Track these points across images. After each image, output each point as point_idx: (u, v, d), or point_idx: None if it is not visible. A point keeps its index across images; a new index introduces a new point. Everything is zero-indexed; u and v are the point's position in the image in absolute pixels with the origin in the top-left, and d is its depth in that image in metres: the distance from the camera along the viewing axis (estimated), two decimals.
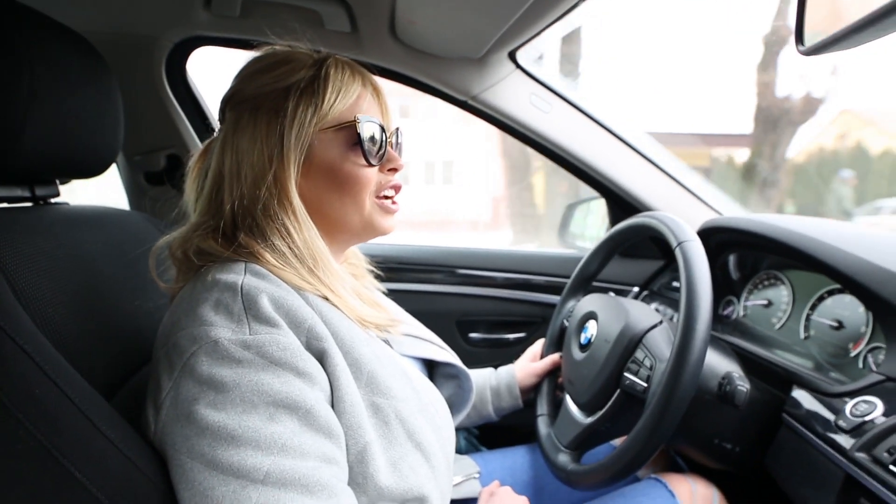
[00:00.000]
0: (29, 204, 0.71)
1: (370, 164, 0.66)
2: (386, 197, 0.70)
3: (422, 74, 1.25)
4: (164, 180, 1.31)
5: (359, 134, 0.65)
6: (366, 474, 0.56)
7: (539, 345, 1.14)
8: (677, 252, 0.80)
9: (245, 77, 0.67)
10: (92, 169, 0.75)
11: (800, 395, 0.83)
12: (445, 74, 1.24)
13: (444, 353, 0.82)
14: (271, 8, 1.11)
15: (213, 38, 1.24)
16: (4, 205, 0.67)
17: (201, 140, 1.31)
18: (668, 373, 0.71)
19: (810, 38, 0.57)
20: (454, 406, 0.87)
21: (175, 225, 0.67)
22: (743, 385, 0.78)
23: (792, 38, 0.58)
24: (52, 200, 0.76)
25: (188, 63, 1.30)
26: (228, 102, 0.67)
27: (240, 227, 0.62)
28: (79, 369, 0.52)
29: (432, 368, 0.88)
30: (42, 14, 0.63)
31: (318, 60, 0.66)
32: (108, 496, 0.48)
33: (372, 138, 0.66)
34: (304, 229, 0.63)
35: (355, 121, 0.65)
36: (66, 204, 0.78)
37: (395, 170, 0.71)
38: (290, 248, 0.61)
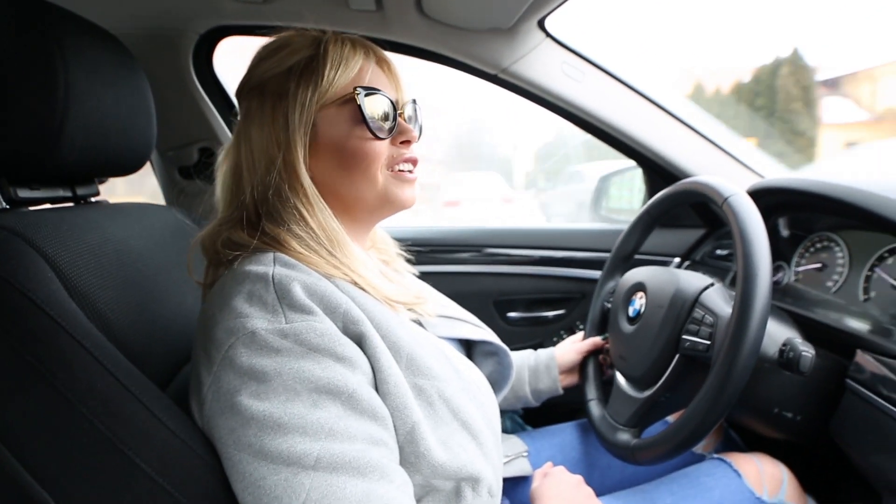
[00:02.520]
0: (70, 204, 0.72)
1: (377, 138, 0.64)
2: (401, 171, 0.68)
3: (450, 50, 1.22)
4: (197, 174, 1.32)
5: (359, 106, 0.63)
6: (417, 453, 0.55)
7: (579, 336, 1.11)
8: (725, 207, 0.78)
9: (252, 66, 0.66)
10: (129, 166, 0.76)
11: (864, 359, 0.79)
12: (474, 48, 1.21)
13: (480, 332, 0.81)
14: None
15: (238, 27, 1.23)
16: (48, 205, 0.68)
17: (231, 131, 1.31)
18: (734, 323, 0.68)
19: None
20: (495, 384, 0.86)
21: (209, 219, 0.67)
22: (808, 351, 0.75)
23: None
24: (93, 199, 0.77)
25: (215, 54, 1.30)
26: (240, 94, 0.67)
27: (262, 216, 0.62)
28: (133, 362, 0.53)
29: (470, 348, 0.87)
30: (73, 13, 0.64)
31: (317, 39, 0.65)
32: (172, 484, 0.49)
33: (377, 109, 0.64)
34: (316, 211, 0.62)
35: (354, 92, 0.63)
36: (106, 201, 0.79)
37: (408, 142, 0.68)
38: (307, 232, 0.61)
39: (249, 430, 0.49)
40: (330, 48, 0.63)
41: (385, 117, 0.65)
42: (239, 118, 0.67)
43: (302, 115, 0.61)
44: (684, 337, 0.79)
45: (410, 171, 0.69)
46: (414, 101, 0.72)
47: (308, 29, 0.67)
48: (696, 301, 0.80)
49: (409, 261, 0.86)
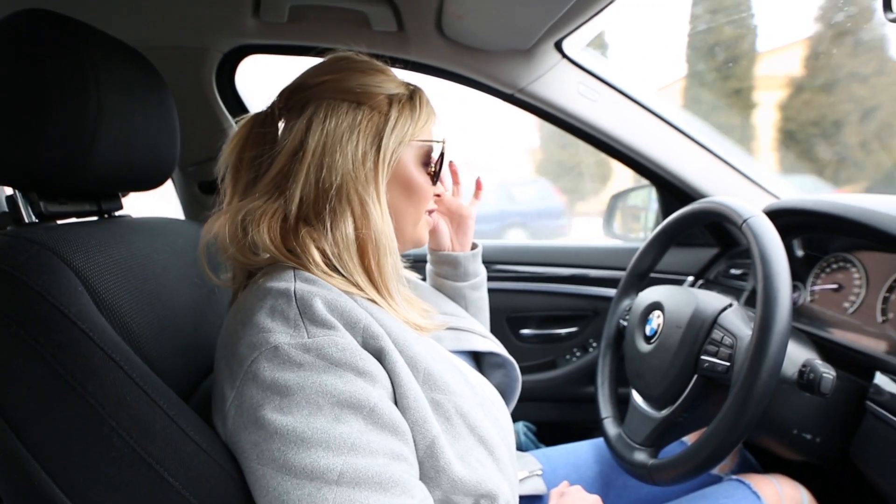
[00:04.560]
0: (95, 218, 0.73)
1: (434, 183, 0.72)
2: (428, 211, 0.75)
3: (468, 70, 1.25)
4: (218, 189, 1.34)
5: (441, 155, 0.72)
6: (437, 468, 0.55)
7: None
8: (744, 228, 0.78)
9: (339, 70, 0.67)
10: (152, 181, 0.77)
11: (883, 381, 0.79)
12: (492, 68, 1.23)
13: (487, 343, 0.82)
14: (318, 11, 1.11)
15: (261, 46, 1.25)
16: (73, 220, 0.69)
17: None
18: (754, 346, 0.69)
19: None
20: (504, 395, 0.86)
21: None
22: (829, 372, 0.75)
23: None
24: (116, 213, 0.78)
25: (237, 73, 1.32)
26: (315, 88, 0.65)
27: (303, 218, 0.62)
28: (159, 376, 0.54)
29: (478, 359, 0.88)
30: (101, 31, 0.64)
31: (406, 83, 0.71)
32: (199, 498, 0.49)
33: (441, 160, 0.73)
34: (386, 224, 0.65)
35: (442, 141, 0.72)
36: (129, 216, 0.80)
37: (439, 194, 0.77)
38: (356, 237, 0.62)
39: (273, 444, 0.49)
40: (424, 98, 0.71)
41: (442, 167, 0.74)
42: (310, 110, 0.64)
43: (398, 142, 0.66)
44: (703, 358, 0.79)
45: (430, 214, 0.77)
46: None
47: (337, 49, 0.70)
48: (714, 322, 0.81)
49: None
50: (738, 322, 0.79)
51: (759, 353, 0.68)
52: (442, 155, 0.73)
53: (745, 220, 0.78)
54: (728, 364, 0.76)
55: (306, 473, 0.48)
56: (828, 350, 0.89)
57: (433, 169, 0.72)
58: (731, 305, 0.83)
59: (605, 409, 1.01)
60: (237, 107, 1.34)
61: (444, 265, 0.96)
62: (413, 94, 0.70)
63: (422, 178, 0.70)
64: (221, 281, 0.68)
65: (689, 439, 1.02)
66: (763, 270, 0.72)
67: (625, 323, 1.05)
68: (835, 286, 1.04)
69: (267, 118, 0.68)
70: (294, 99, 0.66)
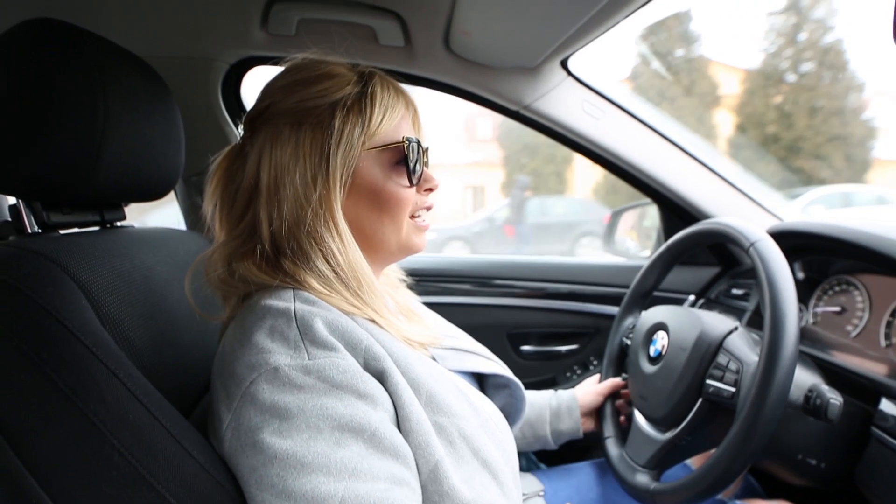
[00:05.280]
0: (97, 228, 0.72)
1: (412, 185, 0.66)
2: (418, 216, 0.70)
3: (474, 86, 1.25)
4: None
5: (406, 155, 0.64)
6: (441, 492, 0.54)
7: (597, 377, 1.10)
8: (751, 252, 0.78)
9: (283, 89, 0.64)
10: (156, 192, 0.76)
11: (889, 407, 0.79)
12: (498, 85, 1.23)
13: (491, 365, 0.80)
14: (326, 25, 1.12)
15: (267, 59, 1.25)
16: (76, 230, 0.68)
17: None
18: (760, 373, 0.68)
19: None
20: (508, 417, 0.84)
21: None
22: (836, 399, 0.74)
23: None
24: (119, 224, 0.77)
25: (242, 84, 1.32)
26: (262, 114, 0.64)
27: (282, 252, 0.61)
28: (161, 391, 0.53)
29: (482, 380, 0.86)
30: (108, 41, 0.64)
31: (361, 76, 0.65)
32: None
33: (414, 159, 0.65)
34: (349, 251, 0.61)
35: (403, 141, 0.64)
36: (132, 226, 0.79)
37: (430, 189, 0.70)
38: (334, 271, 0.60)
39: (272, 469, 0.48)
40: (378, 90, 0.63)
41: (418, 165, 0.66)
42: (260, 139, 0.62)
43: (346, 154, 0.61)
44: (708, 382, 0.78)
45: (424, 220, 0.71)
46: (427, 149, 0.73)
47: (327, 56, 0.67)
48: (720, 345, 0.80)
49: (410, 287, 0.86)
50: (744, 347, 0.79)
51: (767, 380, 0.67)
52: (418, 150, 0.66)
53: (752, 244, 0.78)
54: (734, 390, 0.75)
55: (306, 500, 0.47)
56: (832, 374, 0.89)
57: (412, 168, 0.65)
58: (736, 328, 0.83)
59: (608, 429, 1.00)
60: (242, 117, 1.34)
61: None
62: (362, 94, 0.63)
63: (393, 183, 0.64)
64: (217, 318, 0.65)
65: (694, 463, 1.01)
66: (770, 296, 0.71)
67: (628, 341, 1.05)
68: (837, 309, 1.04)
69: (239, 151, 0.66)
70: (253, 127, 0.64)
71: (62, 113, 0.56)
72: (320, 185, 0.60)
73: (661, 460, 0.84)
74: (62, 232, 0.65)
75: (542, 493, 0.93)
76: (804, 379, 0.81)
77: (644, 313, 1.01)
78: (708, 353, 0.80)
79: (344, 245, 0.61)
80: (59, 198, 0.62)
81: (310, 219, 0.60)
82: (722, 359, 0.79)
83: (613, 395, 1.04)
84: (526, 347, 1.48)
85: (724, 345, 0.80)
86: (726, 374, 0.77)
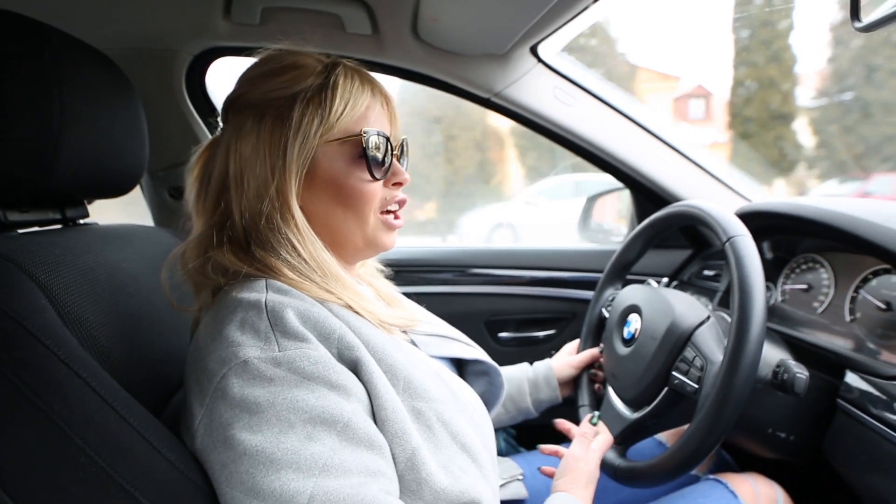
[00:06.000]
0: (59, 226, 0.71)
1: (375, 179, 0.64)
2: (389, 211, 0.69)
3: (444, 73, 1.24)
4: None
5: (364, 148, 0.63)
6: (419, 479, 0.54)
7: (575, 343, 1.12)
8: (727, 248, 0.78)
9: (250, 80, 0.64)
10: (120, 187, 0.75)
11: (853, 379, 0.81)
12: (468, 72, 1.23)
13: (471, 351, 0.81)
14: (291, 14, 1.10)
15: (232, 49, 1.23)
16: (35, 228, 0.67)
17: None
18: (721, 377, 0.70)
19: (867, 14, 0.56)
20: (487, 402, 0.85)
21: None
22: (802, 373, 0.76)
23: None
24: (81, 221, 0.75)
25: (207, 75, 1.29)
26: (232, 105, 0.64)
27: (252, 241, 0.61)
28: (127, 390, 0.52)
29: (461, 367, 0.87)
30: (66, 34, 0.62)
31: (326, 67, 0.63)
32: None
33: (378, 152, 0.64)
34: (307, 243, 0.61)
35: (361, 134, 0.63)
36: (96, 224, 0.78)
37: (399, 184, 0.69)
38: (298, 261, 0.60)
39: (241, 465, 0.48)
40: (340, 81, 0.62)
41: (383, 159, 0.65)
42: (228, 131, 0.63)
43: (303, 147, 0.60)
44: (674, 374, 0.80)
45: (397, 216, 0.69)
46: (403, 141, 0.71)
47: (300, 47, 0.66)
48: (688, 339, 0.81)
49: (389, 277, 0.85)
50: (711, 343, 0.80)
51: (725, 386, 0.69)
52: (386, 144, 0.65)
53: (729, 239, 0.79)
54: (697, 386, 0.76)
55: (275, 497, 0.46)
56: (799, 349, 0.91)
57: (376, 163, 0.64)
58: (707, 320, 0.84)
59: (583, 398, 1.03)
60: (207, 110, 1.31)
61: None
62: (324, 85, 0.61)
63: (355, 177, 0.63)
64: (189, 309, 0.65)
65: (667, 439, 1.03)
66: (739, 300, 0.72)
67: (606, 313, 1.06)
68: (804, 286, 1.07)
69: (216, 142, 0.66)
70: (226, 118, 0.65)
71: (15, 107, 0.55)
72: (277, 177, 0.60)
73: (629, 437, 0.87)
74: (21, 231, 0.64)
75: (521, 477, 0.94)
76: (772, 355, 0.83)
77: (621, 292, 1.02)
78: (676, 346, 0.82)
79: (302, 237, 0.61)
80: (16, 196, 0.61)
81: (268, 211, 0.59)
82: (689, 353, 0.80)
83: (591, 364, 1.06)
84: (504, 334, 1.49)
85: (693, 339, 0.81)
86: (691, 369, 0.78)
